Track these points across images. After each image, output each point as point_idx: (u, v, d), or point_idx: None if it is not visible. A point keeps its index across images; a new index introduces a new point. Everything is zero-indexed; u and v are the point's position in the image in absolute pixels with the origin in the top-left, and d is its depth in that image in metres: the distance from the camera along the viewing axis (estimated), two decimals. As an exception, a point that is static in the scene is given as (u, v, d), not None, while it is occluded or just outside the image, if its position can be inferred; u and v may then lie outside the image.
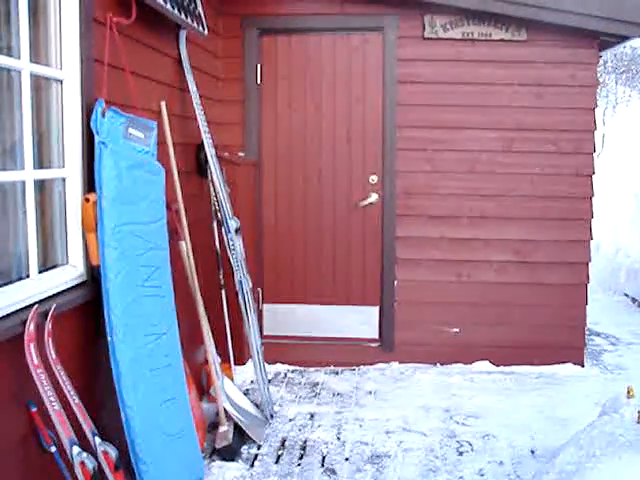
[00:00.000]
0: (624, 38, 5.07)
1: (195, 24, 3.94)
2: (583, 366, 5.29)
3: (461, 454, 3.83)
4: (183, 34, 4.03)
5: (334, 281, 5.35)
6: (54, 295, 2.67)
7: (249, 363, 4.98)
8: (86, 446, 2.44)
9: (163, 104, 3.67)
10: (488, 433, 4.10)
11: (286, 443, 3.97)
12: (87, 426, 2.50)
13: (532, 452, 3.85)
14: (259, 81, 5.18)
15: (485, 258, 5.24)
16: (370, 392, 4.78)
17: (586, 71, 5.06)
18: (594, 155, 5.13)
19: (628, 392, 3.29)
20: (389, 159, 5.18)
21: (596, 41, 5.02)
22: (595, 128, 5.11)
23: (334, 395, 4.74)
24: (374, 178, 5.20)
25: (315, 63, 5.16)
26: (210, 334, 4.06)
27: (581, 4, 4.75)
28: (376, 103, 5.18)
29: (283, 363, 5.29)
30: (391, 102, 5.13)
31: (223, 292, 4.50)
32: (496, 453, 3.84)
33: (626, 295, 7.64)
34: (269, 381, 4.74)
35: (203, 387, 4.43)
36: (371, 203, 5.22)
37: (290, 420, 4.30)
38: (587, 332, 5.52)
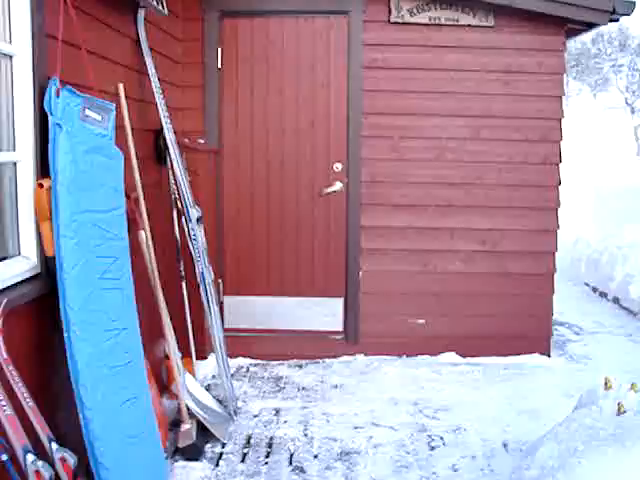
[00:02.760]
0: (590, 26, 5.02)
1: (155, 2, 3.73)
2: (550, 356, 5.25)
3: (433, 449, 3.73)
4: (142, 13, 3.82)
5: (297, 272, 5.19)
6: (4, 289, 2.47)
7: (210, 357, 4.82)
8: (42, 453, 2.25)
9: (121, 86, 3.46)
10: (459, 426, 4.00)
11: (252, 441, 3.81)
12: (43, 431, 2.31)
13: (504, 445, 3.77)
14: (220, 65, 4.98)
15: (452, 248, 5.15)
16: (336, 386, 4.66)
17: (553, 58, 4.99)
18: (561, 143, 5.07)
19: (605, 383, 3.21)
20: (354, 146, 5.04)
21: (563, 28, 4.95)
22: (562, 116, 5.04)
23: (299, 389, 4.60)
24: (339, 166, 5.05)
25: (278, 47, 4.99)
26: (171, 328, 3.88)
27: (550, -10, 4.68)
28: (341, 89, 5.03)
29: (245, 357, 5.12)
30: (356, 88, 4.99)
31: (184, 284, 4.32)
32: (468, 447, 3.75)
33: (587, 285, 7.66)
34: (231, 376, 4.57)
35: (163, 383, 4.24)
36: (335, 191, 5.08)
37: (255, 416, 4.15)
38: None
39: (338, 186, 5.08)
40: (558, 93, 5.03)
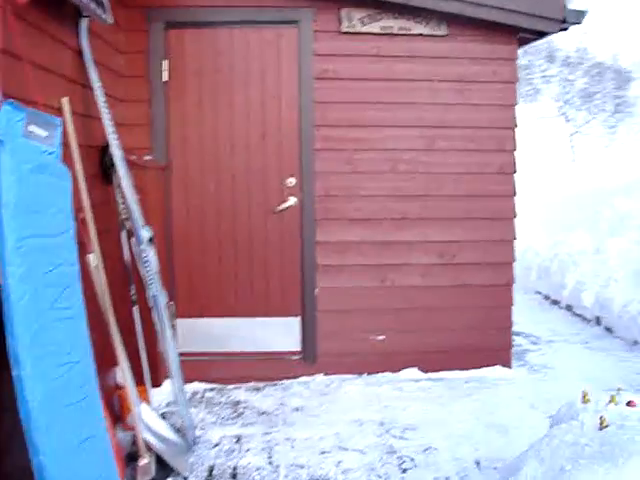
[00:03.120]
0: (541, 34, 5.00)
1: (98, 10, 3.52)
2: (511, 367, 5.19)
3: (404, 471, 3.58)
4: (84, 22, 3.60)
5: (251, 292, 5.00)
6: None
7: (165, 383, 4.57)
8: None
9: (65, 101, 3.24)
10: (428, 446, 3.87)
11: (214, 472, 3.60)
12: (-8, 481, 2.08)
13: (477, 463, 3.65)
14: (166, 78, 4.78)
15: (409, 261, 5.04)
16: (297, 408, 4.47)
17: (506, 67, 4.95)
18: (515, 153, 5.03)
19: (583, 397, 3.13)
20: (307, 160, 4.90)
21: (515, 37, 4.92)
22: (516, 125, 5.01)
23: (259, 414, 4.40)
24: (292, 180, 4.90)
25: (226, 59, 4.82)
26: (124, 355, 3.65)
27: (503, 0, 4.64)
28: (292, 101, 4.88)
29: (200, 381, 4.89)
30: (308, 100, 4.86)
31: (135, 308, 4.08)
32: (441, 467, 3.61)
33: (538, 293, 7.68)
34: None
35: (116, 413, 4.00)
36: (288, 207, 4.92)
37: (215, 445, 3.93)
38: (507, 332, 5.43)
39: (292, 201, 4.92)
40: (511, 102, 5.00)
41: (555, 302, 7.28)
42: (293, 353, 5.05)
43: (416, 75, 4.89)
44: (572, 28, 4.94)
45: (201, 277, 4.95)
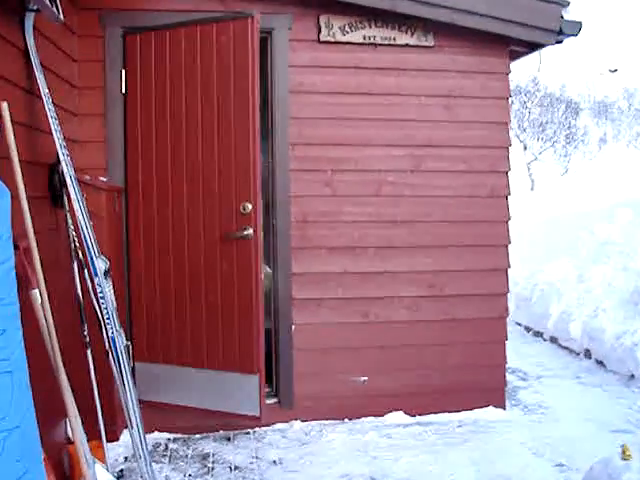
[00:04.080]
0: (533, 48, 4.64)
1: (48, 2, 3.00)
2: (505, 408, 4.74)
3: (406, 541, 3.09)
4: (30, 18, 3.08)
5: (206, 338, 4.20)
6: None
7: (123, 435, 4.01)
8: None
9: (5, 105, 2.71)
10: (430, 507, 3.39)
11: None
12: None
13: (489, 529, 3.18)
14: (124, 90, 4.26)
15: (394, 294, 4.58)
16: (275, 462, 3.94)
17: (498, 82, 4.58)
18: (509, 174, 4.63)
19: (623, 452, 2.68)
20: (282, 182, 4.42)
21: (507, 49, 4.56)
22: (510, 144, 4.63)
23: (231, 469, 3.85)
24: (248, 206, 4.00)
25: (191, 69, 4.26)
26: (75, 407, 3.09)
27: (495, 8, 4.27)
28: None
29: (162, 431, 4.33)
30: (282, 115, 4.39)
31: (89, 351, 3.52)
32: (448, 534, 3.13)
33: (518, 324, 7.28)
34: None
35: (65, 473, 3.41)
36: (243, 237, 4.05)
37: (182, 511, 3.39)
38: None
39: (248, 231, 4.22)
40: (504, 119, 4.62)
41: (538, 334, 6.88)
42: (251, 419, 4.15)
43: (401, 89, 4.48)
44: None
45: (160, 316, 4.31)
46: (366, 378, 4.58)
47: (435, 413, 4.62)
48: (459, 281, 4.62)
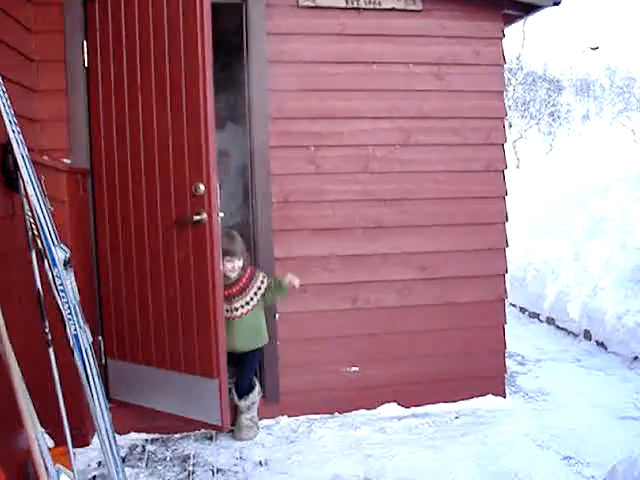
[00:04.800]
0: (528, 11, 4.33)
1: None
2: (505, 397, 4.46)
3: None
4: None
5: (177, 329, 3.83)
6: None
7: (95, 439, 3.68)
8: None
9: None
10: (431, 509, 3.10)
11: None
12: None
13: (497, 533, 2.89)
14: (86, 63, 3.89)
15: (385, 277, 4.27)
16: (261, 463, 3.63)
17: (491, 47, 4.26)
18: (505, 146, 4.33)
19: (650, 453, 2.39)
20: (260, 160, 4.08)
21: (500, 12, 4.24)
22: (506, 115, 4.32)
23: (213, 473, 3.54)
24: (201, 187, 3.52)
25: (160, 37, 3.91)
26: (33, 413, 2.77)
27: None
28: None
29: (139, 431, 4.00)
30: (260, 88, 4.04)
31: (51, 350, 3.18)
32: (452, 541, 2.84)
33: (513, 305, 7.00)
34: (123, 460, 3.47)
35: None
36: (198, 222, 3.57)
37: (160, 523, 3.08)
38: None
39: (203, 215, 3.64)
40: (498, 87, 4.31)
41: (534, 315, 6.61)
42: (214, 427, 3.78)
43: (388, 57, 4.15)
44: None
45: (127, 311, 3.91)
46: (357, 368, 4.28)
47: (431, 404, 4.33)
48: (454, 262, 4.32)
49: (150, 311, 3.76)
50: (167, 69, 3.59)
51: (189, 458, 3.72)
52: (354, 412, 4.24)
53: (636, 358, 5.11)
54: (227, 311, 3.78)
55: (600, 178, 8.29)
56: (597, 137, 31.44)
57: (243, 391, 4.01)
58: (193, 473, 3.53)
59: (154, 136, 3.65)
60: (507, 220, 4.36)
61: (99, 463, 3.60)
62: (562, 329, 6.11)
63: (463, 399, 4.37)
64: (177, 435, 4.01)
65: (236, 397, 3.99)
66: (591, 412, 4.27)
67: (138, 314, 3.80)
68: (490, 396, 4.42)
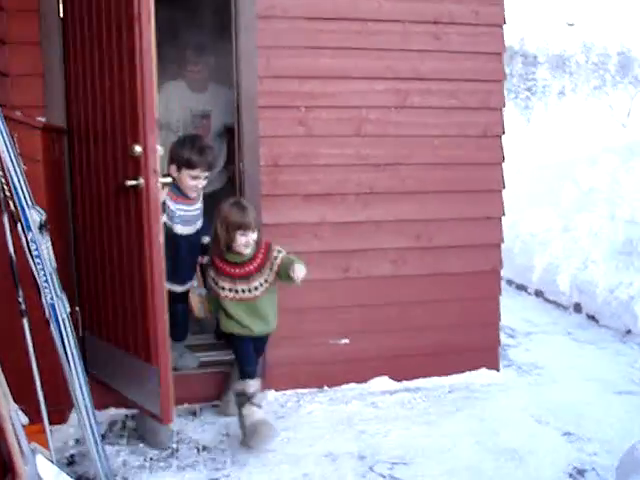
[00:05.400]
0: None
1: None
2: (499, 370, 4.33)
3: (407, 531, 2.65)
4: None
5: (125, 306, 3.57)
6: None
7: (73, 415, 3.48)
8: None
9: None
10: (430, 488, 2.95)
11: None
12: None
13: (502, 514, 2.75)
14: (62, 13, 3.63)
15: (378, 246, 4.09)
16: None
17: (491, 7, 4.05)
18: (503, 110, 4.15)
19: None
20: (248, 121, 3.86)
21: (501, -33, 4.03)
22: (505, 78, 4.13)
23: (199, 450, 3.36)
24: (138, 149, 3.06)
25: None
26: (6, 388, 2.56)
27: None
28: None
29: (118, 407, 3.79)
30: (248, 44, 3.81)
31: (25, 321, 2.96)
32: (455, 523, 2.70)
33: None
34: (102, 438, 3.27)
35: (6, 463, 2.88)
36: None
37: (143, 503, 2.90)
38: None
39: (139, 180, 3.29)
40: (498, 49, 4.11)
41: (522, 287, 6.48)
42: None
43: (384, 14, 3.93)
44: None
45: (93, 282, 3.68)
46: (347, 340, 4.11)
47: (423, 377, 4.19)
48: (449, 231, 4.15)
49: (107, 285, 3.47)
50: (113, 18, 3.16)
51: (172, 435, 3.53)
52: (344, 386, 4.08)
53: (629, 331, 5.01)
54: (243, 291, 3.42)
55: (587, 149, 8.16)
56: (573, 112, 31.51)
57: (255, 374, 3.48)
58: (177, 451, 3.35)
59: (105, 94, 3.27)
60: (504, 188, 4.20)
61: (77, 440, 3.41)
62: (551, 302, 6.00)
63: (456, 373, 4.23)
64: (159, 410, 3.82)
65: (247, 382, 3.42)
66: (587, 386, 4.15)
67: (101, 287, 3.53)
68: (484, 370, 4.29)
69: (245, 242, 3.36)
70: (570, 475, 3.09)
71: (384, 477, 3.05)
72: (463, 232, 4.17)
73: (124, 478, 3.08)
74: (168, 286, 3.21)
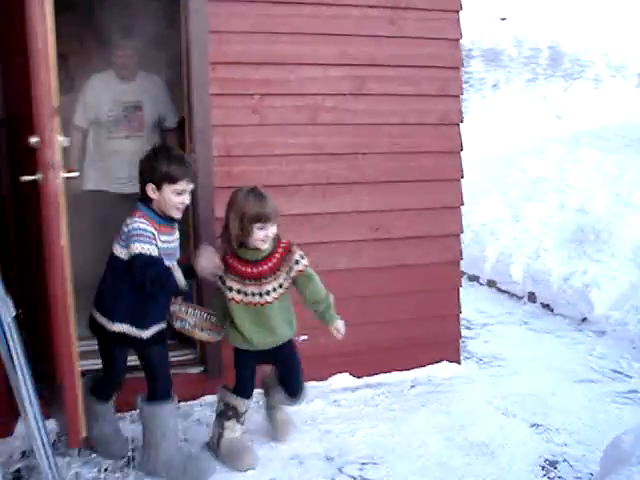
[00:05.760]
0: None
1: None
2: (460, 363, 4.26)
3: (384, 535, 2.53)
4: None
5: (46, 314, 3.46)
6: None
7: (19, 427, 3.24)
8: None
9: None
10: (403, 488, 2.84)
11: None
12: None
13: (478, 511, 2.67)
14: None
15: (334, 238, 3.96)
16: (208, 444, 3.28)
17: (447, -10, 3.96)
18: (462, 98, 4.07)
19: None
20: (200, 109, 3.67)
21: (456, -50, 3.94)
22: (462, 64, 4.05)
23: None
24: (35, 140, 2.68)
25: None
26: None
27: None
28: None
29: (67, 414, 3.58)
30: (200, 29, 3.62)
31: (-34, 325, 2.73)
32: (431, 523, 2.60)
33: (451, 269, 6.83)
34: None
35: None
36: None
37: (100, 519, 2.70)
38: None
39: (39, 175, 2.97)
40: (455, 35, 4.02)
41: (474, 278, 6.44)
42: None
43: (338, -2, 3.80)
44: None
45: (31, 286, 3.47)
46: (305, 337, 3.96)
47: (384, 373, 4.08)
48: (407, 221, 4.05)
49: (34, 290, 3.19)
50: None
51: (127, 442, 3.32)
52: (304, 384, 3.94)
53: (584, 319, 5.01)
54: (253, 294, 2.98)
55: (528, 140, 8.20)
56: (508, 105, 31.99)
57: (302, 391, 3.22)
58: (133, 459, 3.15)
59: (18, 82, 2.95)
60: (463, 176, 4.12)
61: (23, 453, 3.17)
62: (504, 292, 5.98)
63: (418, 367, 4.15)
64: (110, 416, 3.61)
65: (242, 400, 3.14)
66: (548, 376, 4.12)
67: (32, 291, 3.28)
68: (445, 363, 4.21)
69: (264, 236, 2.93)
70: (542, 467, 3.04)
71: (354, 479, 2.93)
72: (422, 223, 4.08)
73: (77, 491, 2.88)
74: (127, 330, 2.89)
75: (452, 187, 4.11)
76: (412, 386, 3.96)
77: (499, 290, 6.05)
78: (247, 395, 3.14)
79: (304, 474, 2.97)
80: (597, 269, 5.23)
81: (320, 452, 3.16)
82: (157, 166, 2.84)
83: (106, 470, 3.05)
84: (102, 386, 3.14)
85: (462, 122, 4.08)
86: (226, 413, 3.13)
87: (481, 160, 8.48)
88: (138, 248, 2.73)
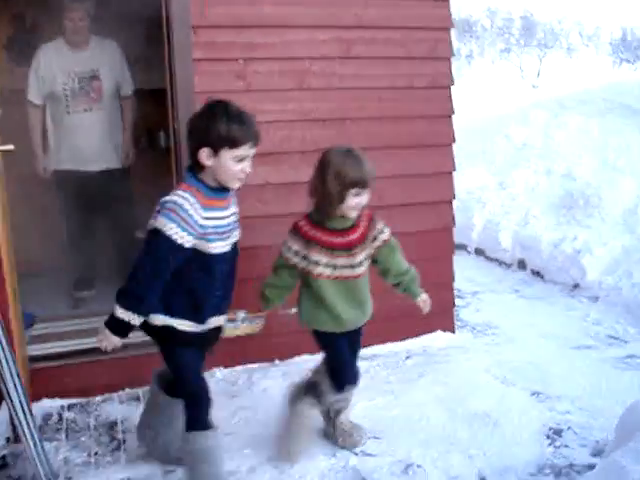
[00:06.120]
0: None
1: None
2: (454, 332, 4.18)
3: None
4: None
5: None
6: None
7: (1, 413, 3.10)
8: None
9: None
10: (407, 463, 2.76)
11: None
12: None
13: (483, 480, 2.59)
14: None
15: (326, 207, 3.83)
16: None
17: (435, -53, 3.81)
18: (452, 60, 3.94)
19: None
20: (183, 75, 3.51)
21: None
22: (452, 25, 3.92)
23: (148, 439, 3.06)
24: None
25: None
26: None
27: None
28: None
29: (52, 397, 3.43)
30: (178, -9, 3.45)
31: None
32: (439, 497, 2.51)
33: (437, 238, 6.75)
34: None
35: None
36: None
37: (92, 506, 2.58)
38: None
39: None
40: (444, -7, 3.88)
41: (461, 246, 6.32)
42: None
43: (324, -44, 3.63)
44: None
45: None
46: (296, 310, 3.85)
47: (378, 344, 3.98)
48: (398, 188, 3.92)
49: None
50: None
51: (116, 424, 3.20)
52: (296, 358, 3.83)
53: (576, 285, 4.95)
54: (343, 267, 2.73)
55: (513, 107, 8.10)
56: (483, 75, 32.01)
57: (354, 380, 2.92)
58: (124, 442, 3.03)
59: None
60: (454, 141, 4.00)
61: (7, 440, 3.03)
62: (493, 259, 5.90)
63: (412, 337, 4.06)
64: (98, 398, 3.48)
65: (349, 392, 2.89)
66: (544, 344, 4.06)
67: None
68: (439, 332, 4.14)
69: (357, 203, 2.66)
70: (547, 436, 2.97)
71: (356, 454, 2.84)
72: (414, 189, 3.96)
73: (67, 478, 2.75)
74: (180, 325, 2.59)
75: (444, 152, 3.99)
76: (407, 357, 3.87)
77: (487, 258, 5.97)
78: (353, 381, 2.89)
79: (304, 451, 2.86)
80: (588, 234, 5.16)
81: (320, 427, 3.06)
82: (213, 126, 2.35)
83: (96, 454, 2.93)
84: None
85: (453, 85, 3.95)
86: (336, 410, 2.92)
87: (464, 128, 8.38)
88: (162, 223, 2.31)
